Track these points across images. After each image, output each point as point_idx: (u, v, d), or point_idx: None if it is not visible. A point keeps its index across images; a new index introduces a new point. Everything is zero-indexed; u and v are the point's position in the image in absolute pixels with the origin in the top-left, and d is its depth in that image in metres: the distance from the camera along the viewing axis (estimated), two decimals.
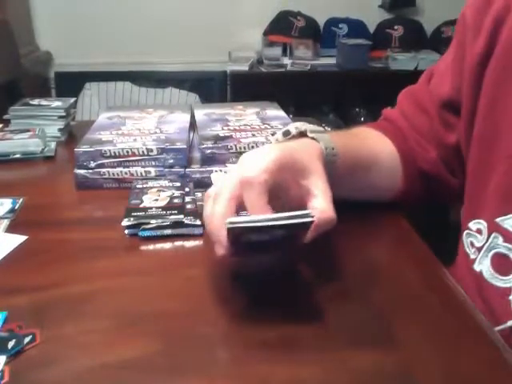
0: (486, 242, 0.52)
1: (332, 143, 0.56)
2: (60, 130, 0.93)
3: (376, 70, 2.43)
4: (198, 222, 0.60)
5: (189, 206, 0.63)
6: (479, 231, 0.53)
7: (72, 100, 1.00)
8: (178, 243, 0.59)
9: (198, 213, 0.61)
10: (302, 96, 2.35)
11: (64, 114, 0.94)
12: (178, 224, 0.60)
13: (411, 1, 2.60)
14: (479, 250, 0.53)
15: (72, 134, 0.97)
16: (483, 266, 0.52)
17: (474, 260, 0.54)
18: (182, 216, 0.60)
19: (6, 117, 0.94)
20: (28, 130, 0.89)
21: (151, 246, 0.58)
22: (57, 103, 0.97)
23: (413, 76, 0.72)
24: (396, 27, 2.54)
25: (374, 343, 0.44)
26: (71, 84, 2.46)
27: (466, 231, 0.56)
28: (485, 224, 0.53)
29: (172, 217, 0.60)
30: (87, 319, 0.47)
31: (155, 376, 0.40)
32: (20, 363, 0.41)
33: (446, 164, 0.65)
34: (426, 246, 0.58)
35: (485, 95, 0.54)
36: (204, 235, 0.60)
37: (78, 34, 2.52)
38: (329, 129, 1.50)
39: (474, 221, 0.55)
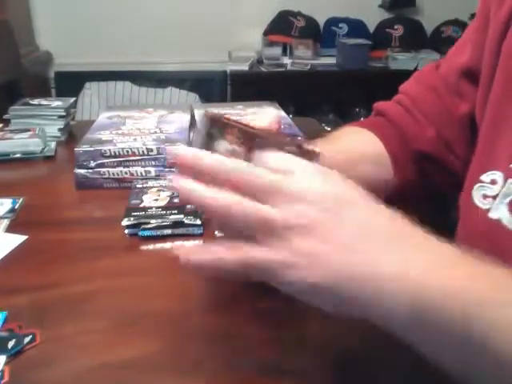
0: (501, 190, 0.52)
1: None
2: (60, 129, 0.93)
3: (376, 70, 2.43)
4: (198, 222, 0.59)
5: (189, 206, 0.63)
6: (494, 182, 0.54)
7: (72, 100, 1.00)
8: (178, 243, 0.59)
9: (197, 212, 0.61)
10: (302, 96, 2.35)
11: (64, 113, 0.94)
12: (177, 224, 0.60)
13: (411, 0, 2.60)
14: (494, 198, 0.53)
15: (72, 134, 0.97)
16: (500, 212, 0.52)
17: (489, 209, 0.54)
18: (181, 216, 0.60)
19: (5, 116, 0.94)
20: (28, 130, 0.89)
21: (151, 246, 0.58)
22: (57, 103, 0.97)
23: None
24: (396, 27, 2.54)
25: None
26: (71, 84, 2.45)
27: (478, 184, 0.56)
28: (500, 174, 0.53)
29: (172, 216, 0.60)
30: (87, 319, 0.47)
31: (155, 376, 0.40)
32: (20, 363, 0.41)
33: (447, 143, 0.65)
34: None
35: (503, 61, 0.55)
36: (204, 235, 0.60)
37: (78, 33, 2.52)
38: (329, 129, 1.50)
39: (487, 173, 0.55)
